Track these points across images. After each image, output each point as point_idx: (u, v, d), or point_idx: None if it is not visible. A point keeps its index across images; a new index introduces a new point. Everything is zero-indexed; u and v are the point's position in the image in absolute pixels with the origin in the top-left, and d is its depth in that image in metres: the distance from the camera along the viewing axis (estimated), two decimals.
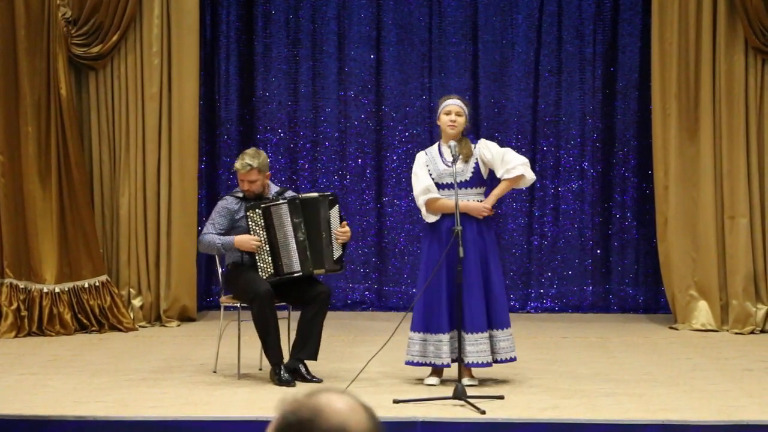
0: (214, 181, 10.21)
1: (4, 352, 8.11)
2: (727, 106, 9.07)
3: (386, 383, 6.91)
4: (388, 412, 6.02)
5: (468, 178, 6.87)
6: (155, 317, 9.36)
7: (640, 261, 10.17)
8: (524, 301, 10.18)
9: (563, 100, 10.14)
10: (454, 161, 6.76)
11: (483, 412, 6.12)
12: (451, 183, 6.79)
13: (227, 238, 7.05)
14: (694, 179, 9.18)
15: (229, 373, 7.23)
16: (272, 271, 6.96)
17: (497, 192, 6.93)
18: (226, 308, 7.34)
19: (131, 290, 9.30)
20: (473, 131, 8.74)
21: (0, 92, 8.86)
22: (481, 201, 6.89)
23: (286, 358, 6.99)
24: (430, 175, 6.90)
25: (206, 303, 10.11)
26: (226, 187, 9.96)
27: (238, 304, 7.14)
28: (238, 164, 7.11)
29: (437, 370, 6.93)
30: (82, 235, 9.03)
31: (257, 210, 6.98)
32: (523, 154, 7.27)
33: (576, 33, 10.11)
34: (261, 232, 6.97)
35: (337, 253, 7.10)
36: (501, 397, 6.49)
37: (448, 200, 6.82)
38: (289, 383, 6.83)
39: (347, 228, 7.16)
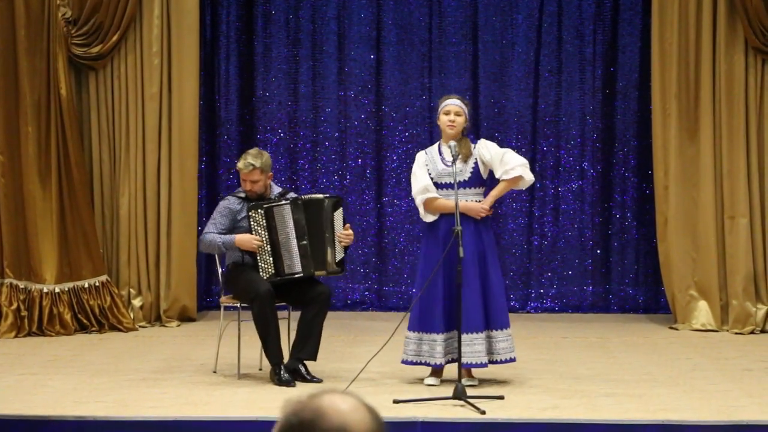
0: (214, 181, 10.21)
1: (4, 352, 8.10)
2: (727, 106, 9.07)
3: (386, 383, 6.91)
4: (388, 412, 6.01)
5: (467, 178, 6.87)
6: (155, 317, 9.36)
7: (640, 261, 10.16)
8: (524, 301, 10.18)
9: (563, 100, 10.13)
10: (454, 161, 6.75)
11: (483, 412, 6.12)
12: (451, 183, 6.79)
13: (228, 237, 7.04)
14: (694, 179, 9.17)
15: (229, 373, 7.23)
16: (273, 271, 6.96)
17: (495, 192, 6.92)
18: (226, 308, 7.34)
19: (131, 290, 9.29)
20: (473, 131, 8.73)
21: (0, 92, 8.86)
22: (479, 201, 6.89)
23: (286, 358, 6.99)
24: (430, 174, 6.89)
25: (206, 303, 10.10)
26: (226, 187, 9.96)
27: (238, 304, 7.14)
28: (240, 164, 7.11)
29: (436, 371, 6.93)
30: (82, 235, 9.02)
31: (260, 210, 6.97)
32: (523, 154, 7.28)
33: (576, 33, 10.10)
34: (263, 232, 6.96)
35: (339, 255, 7.08)
36: (501, 398, 6.49)
37: (446, 200, 6.81)
38: (289, 383, 6.83)
39: (350, 231, 7.14)
